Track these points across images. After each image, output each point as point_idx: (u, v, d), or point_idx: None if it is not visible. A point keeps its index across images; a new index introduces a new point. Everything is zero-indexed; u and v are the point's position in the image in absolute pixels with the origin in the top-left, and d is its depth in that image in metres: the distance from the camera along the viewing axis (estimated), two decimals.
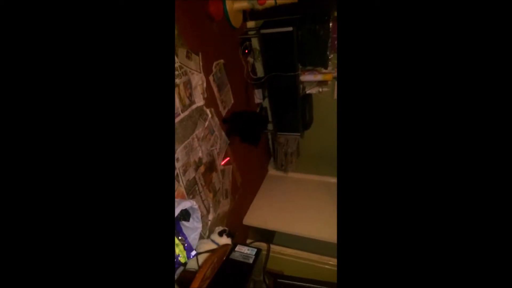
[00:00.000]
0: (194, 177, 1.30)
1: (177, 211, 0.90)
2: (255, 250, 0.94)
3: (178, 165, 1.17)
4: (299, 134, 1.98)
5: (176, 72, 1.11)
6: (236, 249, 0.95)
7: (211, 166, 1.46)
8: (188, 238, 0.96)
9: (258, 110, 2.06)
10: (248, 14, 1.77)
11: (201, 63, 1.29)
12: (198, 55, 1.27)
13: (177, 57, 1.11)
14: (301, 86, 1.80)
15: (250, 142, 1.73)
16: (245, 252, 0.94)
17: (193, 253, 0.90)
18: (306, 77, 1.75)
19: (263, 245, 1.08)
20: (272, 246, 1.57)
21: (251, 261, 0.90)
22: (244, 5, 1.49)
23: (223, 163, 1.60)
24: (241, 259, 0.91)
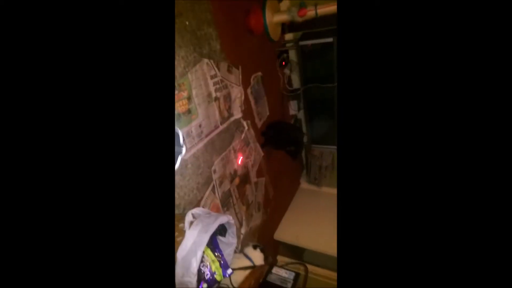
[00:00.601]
0: (229, 189, 1.30)
1: (214, 226, 0.89)
2: (294, 273, 0.89)
3: (215, 176, 1.17)
4: (335, 147, 1.90)
5: (218, 86, 1.13)
6: (273, 271, 0.91)
7: (245, 178, 1.45)
8: (223, 254, 0.94)
9: (292, 122, 2.02)
10: (287, 26, 1.76)
11: (240, 76, 1.30)
12: (238, 68, 1.28)
13: (219, 71, 1.13)
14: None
15: (292, 154, 1.70)
16: (282, 275, 0.89)
17: (229, 271, 0.87)
18: None
19: (299, 267, 1.02)
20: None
21: (289, 286, 0.85)
22: (284, 17, 1.48)
23: None
24: (279, 283, 0.86)
